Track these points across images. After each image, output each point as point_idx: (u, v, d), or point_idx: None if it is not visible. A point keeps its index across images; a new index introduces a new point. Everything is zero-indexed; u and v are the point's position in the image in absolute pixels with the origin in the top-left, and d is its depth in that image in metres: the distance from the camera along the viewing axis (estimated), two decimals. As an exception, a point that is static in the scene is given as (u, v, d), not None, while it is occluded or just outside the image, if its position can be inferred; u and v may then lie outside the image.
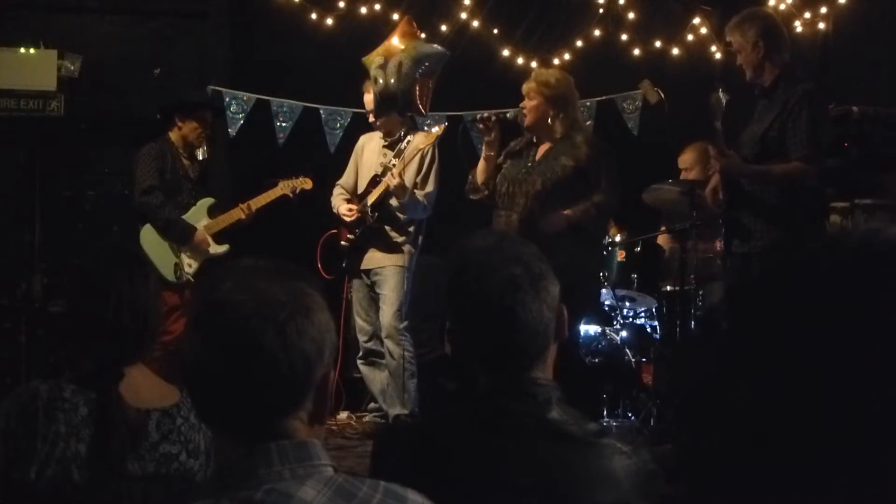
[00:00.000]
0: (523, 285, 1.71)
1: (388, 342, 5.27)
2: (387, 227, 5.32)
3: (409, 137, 5.32)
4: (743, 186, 4.41)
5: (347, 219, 5.38)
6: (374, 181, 5.34)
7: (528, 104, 4.74)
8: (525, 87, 4.78)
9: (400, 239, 5.32)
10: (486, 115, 4.89)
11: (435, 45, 5.33)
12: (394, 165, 5.24)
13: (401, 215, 5.29)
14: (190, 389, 1.39)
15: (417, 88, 5.20)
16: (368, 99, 5.44)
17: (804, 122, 4.23)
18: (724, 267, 4.93)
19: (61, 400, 2.01)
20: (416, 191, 5.28)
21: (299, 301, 1.32)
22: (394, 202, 5.26)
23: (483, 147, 4.86)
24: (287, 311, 1.30)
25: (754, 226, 4.34)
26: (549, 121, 4.73)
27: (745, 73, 4.46)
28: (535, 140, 4.82)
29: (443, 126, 5.43)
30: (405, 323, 5.29)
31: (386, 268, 5.29)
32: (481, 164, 4.85)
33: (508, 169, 4.80)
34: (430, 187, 5.30)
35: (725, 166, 4.30)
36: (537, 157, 4.78)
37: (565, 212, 4.57)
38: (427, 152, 5.29)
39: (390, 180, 5.15)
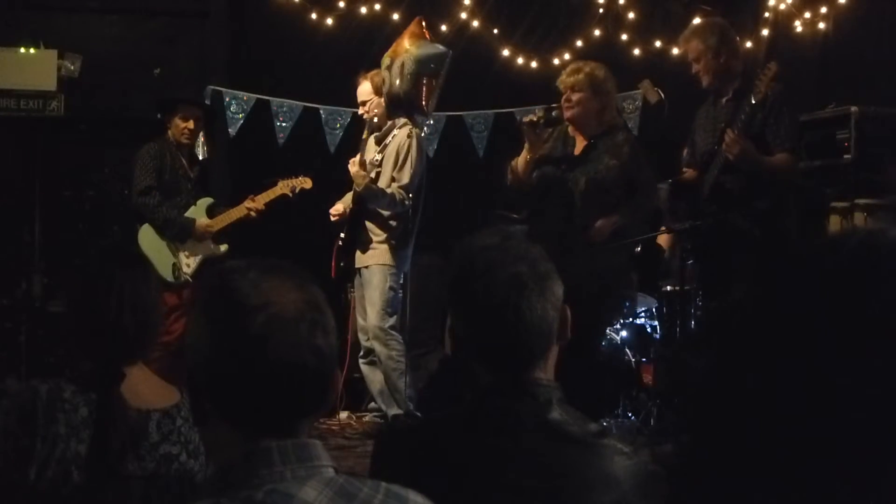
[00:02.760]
0: (528, 283, 1.71)
1: (374, 343, 5.19)
2: (368, 225, 5.24)
3: (395, 132, 5.28)
4: (725, 185, 4.46)
5: (332, 219, 5.36)
6: None
7: (575, 96, 4.64)
8: (571, 80, 4.66)
9: (381, 236, 5.21)
10: (534, 118, 4.75)
11: (436, 45, 5.31)
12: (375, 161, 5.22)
13: (382, 212, 5.19)
14: (209, 391, 1.34)
15: (420, 89, 5.18)
16: (361, 90, 5.41)
17: (786, 118, 4.41)
18: (696, 267, 4.96)
19: (61, 400, 2.01)
20: (393, 183, 5.20)
21: (319, 300, 1.34)
22: (356, 189, 5.16)
23: (528, 146, 4.71)
24: (321, 311, 1.32)
25: (740, 225, 4.41)
26: (595, 115, 4.68)
27: (700, 80, 4.56)
28: (570, 134, 4.76)
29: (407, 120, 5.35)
30: (392, 321, 5.19)
31: (369, 267, 5.22)
32: (525, 162, 4.73)
33: (546, 165, 4.72)
34: (404, 178, 5.18)
35: (745, 150, 4.34)
36: (576, 152, 4.72)
37: (610, 219, 4.57)
38: (404, 144, 5.22)
39: (350, 168, 5.09)
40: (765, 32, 6.44)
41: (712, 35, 4.54)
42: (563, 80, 4.71)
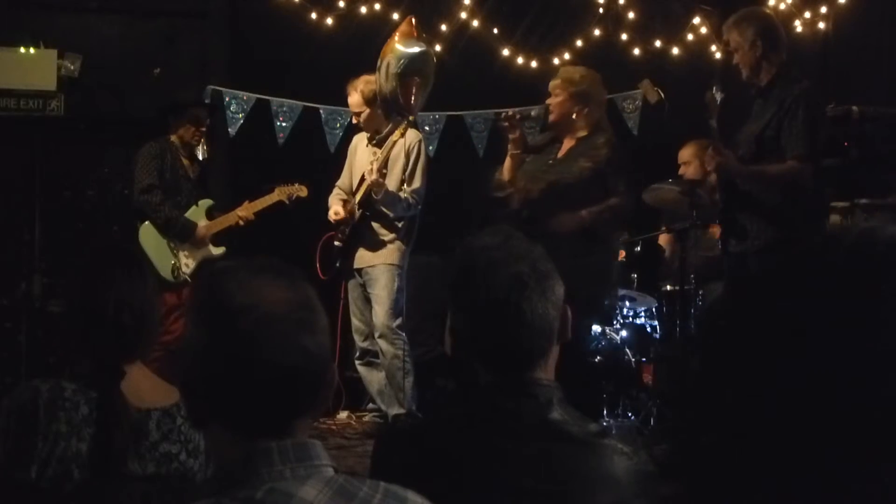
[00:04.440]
0: (530, 283, 1.71)
1: (381, 342, 5.23)
2: (374, 225, 5.28)
3: (399, 136, 5.29)
4: (738, 186, 4.42)
5: (333, 220, 5.37)
6: (363, 179, 5.33)
7: (553, 101, 4.71)
8: (551, 84, 4.75)
9: (389, 236, 5.27)
10: (509, 112, 4.86)
11: (419, 44, 5.30)
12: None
13: (388, 212, 5.26)
14: (203, 393, 1.34)
15: (406, 89, 5.19)
16: (352, 101, 5.44)
17: (801, 121, 4.26)
18: (723, 267, 4.92)
19: (62, 399, 2.01)
20: (403, 186, 5.26)
21: (310, 298, 1.33)
22: (376, 198, 5.23)
23: (508, 145, 4.82)
24: (309, 310, 1.31)
25: (751, 225, 4.35)
26: (573, 117, 4.71)
27: (741, 72, 4.48)
28: (558, 137, 4.80)
29: (410, 118, 5.38)
30: (399, 321, 5.23)
31: (376, 266, 5.25)
32: (507, 162, 4.81)
33: (529, 164, 4.77)
34: (416, 183, 5.26)
35: (721, 164, 4.30)
36: (559, 154, 4.76)
37: (581, 213, 4.55)
38: (413, 148, 5.27)
39: (368, 177, 5.14)
40: (765, 32, 6.43)
41: (749, 27, 4.41)
42: (550, 83, 4.78)
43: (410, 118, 5.33)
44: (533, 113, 4.84)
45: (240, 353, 1.28)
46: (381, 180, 5.13)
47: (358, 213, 5.28)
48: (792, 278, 0.71)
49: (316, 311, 1.33)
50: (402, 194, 5.22)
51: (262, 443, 1.27)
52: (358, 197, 5.29)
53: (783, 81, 4.37)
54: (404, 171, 5.27)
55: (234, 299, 1.30)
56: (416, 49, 5.18)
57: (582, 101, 4.70)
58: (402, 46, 5.18)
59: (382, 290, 5.22)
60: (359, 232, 5.31)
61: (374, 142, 5.41)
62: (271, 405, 1.29)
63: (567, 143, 4.76)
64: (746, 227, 4.37)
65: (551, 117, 4.75)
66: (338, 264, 5.39)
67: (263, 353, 1.28)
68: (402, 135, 5.19)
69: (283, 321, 1.28)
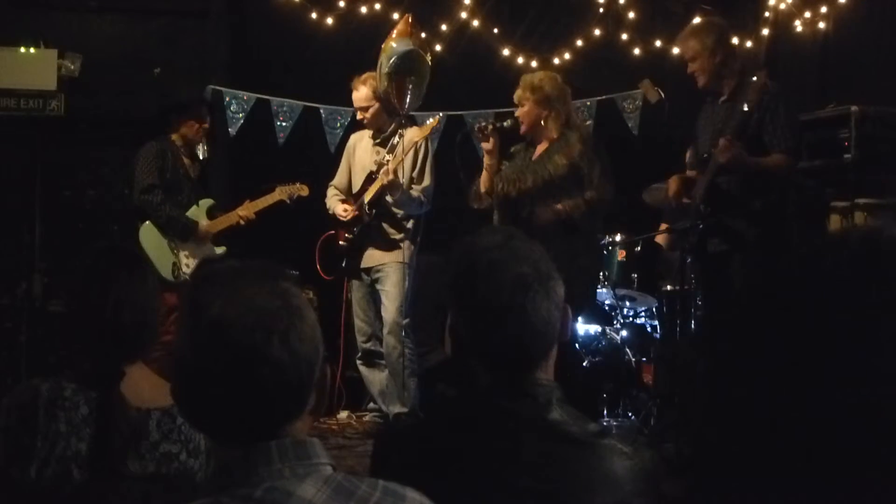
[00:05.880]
0: (533, 284, 1.70)
1: (389, 338, 5.25)
2: (385, 225, 5.31)
3: (401, 132, 5.31)
4: (720, 185, 4.46)
5: (343, 219, 5.37)
6: (370, 179, 5.33)
7: (521, 111, 4.82)
8: (515, 95, 4.85)
9: (398, 236, 5.31)
10: (482, 123, 4.96)
11: (408, 43, 5.30)
12: (388, 162, 5.24)
13: (398, 212, 5.29)
14: (187, 404, 1.35)
15: (395, 87, 5.19)
16: (357, 96, 5.45)
17: (781, 117, 4.39)
18: (694, 268, 4.94)
19: (62, 399, 2.01)
20: (413, 185, 5.28)
21: (291, 304, 1.32)
22: (391, 199, 5.26)
23: (485, 156, 4.89)
24: (284, 317, 1.29)
25: (736, 225, 4.40)
26: (542, 122, 4.80)
27: (696, 80, 4.56)
28: (532, 143, 4.89)
29: (437, 117, 5.43)
30: (407, 320, 5.28)
31: (386, 265, 5.29)
32: (483, 174, 4.89)
33: (506, 170, 4.85)
34: (426, 181, 5.30)
35: (736, 156, 4.34)
36: (534, 157, 4.84)
37: (556, 205, 4.65)
38: (420, 146, 5.29)
39: (384, 177, 5.15)
40: (765, 32, 6.44)
41: (709, 35, 4.57)
42: (514, 94, 4.88)
43: (437, 117, 5.37)
44: (506, 124, 4.88)
45: (209, 366, 1.29)
46: (397, 181, 5.15)
47: (371, 214, 5.29)
48: (796, 280, 0.71)
49: (296, 318, 1.31)
50: (413, 193, 5.25)
51: (261, 443, 1.27)
52: (368, 196, 5.30)
53: (746, 88, 4.44)
54: (412, 169, 5.29)
55: (207, 311, 1.29)
56: (406, 48, 5.19)
57: (547, 104, 4.80)
58: (395, 45, 5.19)
59: (394, 288, 5.25)
60: (368, 231, 5.33)
61: (378, 141, 5.42)
62: (248, 416, 1.29)
63: (541, 147, 4.85)
64: (731, 227, 4.42)
65: (523, 128, 4.84)
66: (343, 263, 5.40)
67: (231, 366, 1.27)
68: (426, 138, 5.24)
69: (252, 333, 1.27)
